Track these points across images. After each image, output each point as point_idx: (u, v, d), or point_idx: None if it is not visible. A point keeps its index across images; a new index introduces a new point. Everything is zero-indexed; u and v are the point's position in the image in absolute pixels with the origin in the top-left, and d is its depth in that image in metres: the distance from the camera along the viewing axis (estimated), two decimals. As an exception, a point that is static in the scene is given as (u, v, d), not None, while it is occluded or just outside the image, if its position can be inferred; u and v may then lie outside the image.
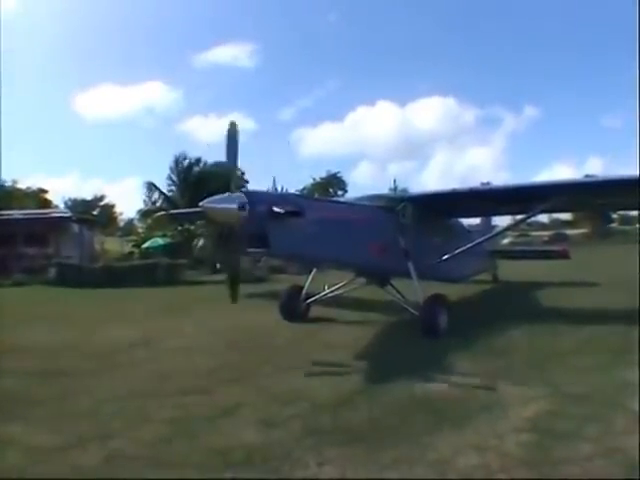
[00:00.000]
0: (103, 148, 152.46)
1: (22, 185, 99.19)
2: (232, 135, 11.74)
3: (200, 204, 11.71)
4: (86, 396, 9.22)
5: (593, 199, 17.26)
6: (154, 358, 12.08)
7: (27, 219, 43.19)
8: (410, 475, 5.93)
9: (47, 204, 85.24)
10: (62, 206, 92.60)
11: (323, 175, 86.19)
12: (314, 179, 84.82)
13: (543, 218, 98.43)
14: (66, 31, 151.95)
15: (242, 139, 11.75)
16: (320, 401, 8.53)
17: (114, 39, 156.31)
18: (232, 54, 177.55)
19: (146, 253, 42.93)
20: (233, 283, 12.62)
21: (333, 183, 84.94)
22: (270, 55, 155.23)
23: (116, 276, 31.49)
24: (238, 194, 11.25)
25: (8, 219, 42.33)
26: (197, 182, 50.80)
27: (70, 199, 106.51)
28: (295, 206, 11.79)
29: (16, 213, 45.68)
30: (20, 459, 6.66)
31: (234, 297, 12.39)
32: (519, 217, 17.77)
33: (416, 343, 12.62)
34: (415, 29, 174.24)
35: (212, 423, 7.73)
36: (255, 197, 11.39)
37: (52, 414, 8.39)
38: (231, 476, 6.01)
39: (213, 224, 13.33)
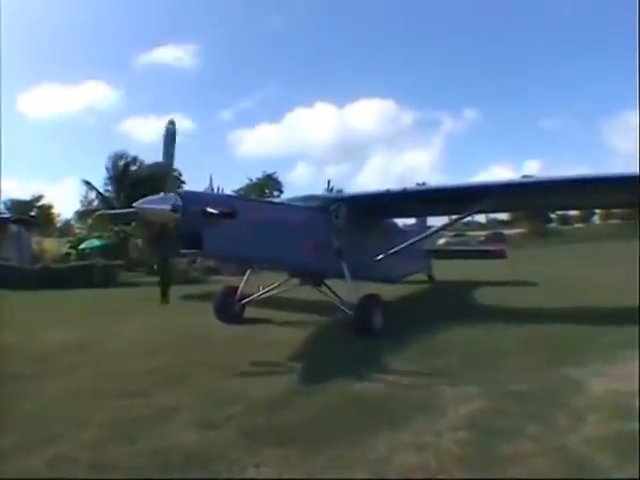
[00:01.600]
0: (44, 148, 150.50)
1: None
2: (170, 134, 11.68)
3: (133, 205, 11.63)
4: (27, 399, 9.15)
5: (529, 199, 17.48)
6: (92, 361, 11.96)
7: None
8: (348, 475, 5.99)
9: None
10: (2, 207, 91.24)
11: (259, 176, 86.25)
12: (250, 180, 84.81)
13: (480, 218, 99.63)
14: (9, 29, 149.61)
15: (179, 139, 11.71)
16: (256, 402, 8.57)
17: (57, 38, 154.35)
18: (174, 55, 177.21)
19: (82, 254, 42.53)
20: (164, 284, 12.58)
21: (269, 184, 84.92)
22: (211, 56, 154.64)
23: (54, 278, 31.09)
24: (171, 195, 11.20)
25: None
26: (133, 182, 50.27)
27: (10, 200, 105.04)
28: (229, 207, 11.76)
29: None
30: None
31: (164, 298, 12.37)
32: (454, 217, 17.88)
33: (352, 343, 12.69)
34: (355, 32, 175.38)
35: (150, 425, 7.72)
36: (189, 198, 11.35)
37: None
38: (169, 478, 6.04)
39: (147, 225, 13.15)
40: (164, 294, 12.30)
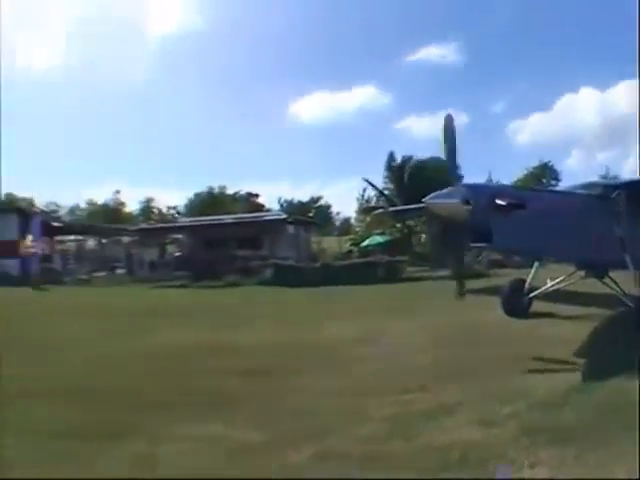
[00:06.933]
0: (318, 152, 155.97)
1: (230, 191, 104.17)
2: (448, 128, 11.85)
3: (423, 200, 11.84)
4: (301, 393, 9.44)
5: None
6: (373, 356, 12.25)
7: (238, 223, 45.40)
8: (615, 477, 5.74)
9: (259, 208, 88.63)
10: (277, 208, 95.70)
11: (535, 165, 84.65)
12: (527, 169, 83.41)
13: None
14: (282, 39, 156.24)
15: (458, 134, 11.81)
16: (537, 399, 8.39)
17: (327, 47, 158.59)
18: (438, 53, 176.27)
19: (365, 251, 43.35)
20: (459, 278, 12.72)
21: (545, 173, 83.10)
22: (474, 51, 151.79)
23: (334, 274, 32.05)
24: (460, 188, 11.33)
25: (219, 223, 44.90)
26: (411, 179, 50.75)
27: (285, 201, 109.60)
28: (516, 198, 11.59)
29: (227, 218, 47.68)
30: (221, 457, 6.80)
31: (460, 292, 12.50)
32: None
33: (636, 339, 11.94)
34: (616, 12, 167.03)
35: (430, 421, 7.71)
36: (478, 190, 11.41)
37: (263, 412, 8.60)
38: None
39: (436, 219, 13.37)
40: (460, 287, 12.49)
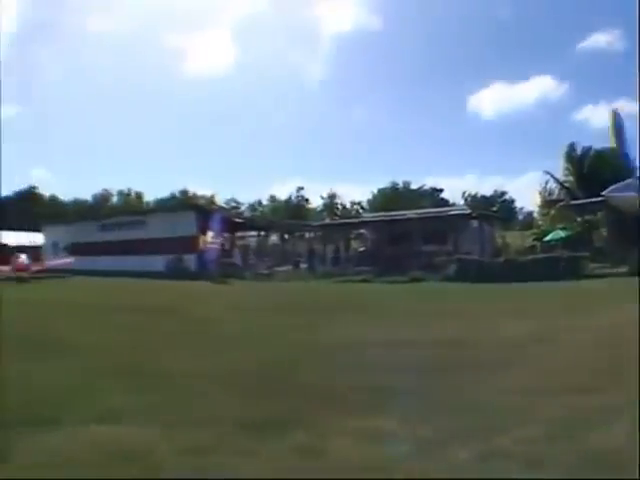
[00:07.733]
0: (500, 145, 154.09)
1: (414, 186, 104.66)
2: (616, 123, 11.75)
3: (603, 193, 11.76)
4: (472, 391, 9.42)
5: None
6: (547, 354, 12.11)
7: (422, 218, 45.81)
8: None
9: (443, 203, 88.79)
10: (461, 203, 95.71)
11: None
12: None
13: None
14: (457, 33, 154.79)
15: (629, 124, 11.60)
16: None
17: (502, 40, 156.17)
18: (605, 39, 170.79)
19: (547, 246, 42.64)
20: None
21: None
22: (634, 36, 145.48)
23: (517, 270, 31.70)
24: (638, 181, 11.19)
25: (403, 218, 45.44)
26: (590, 171, 49.48)
27: (470, 195, 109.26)
28: None
29: (411, 213, 48.01)
30: (382, 452, 6.84)
31: None
32: None
33: None
34: None
35: (596, 424, 7.51)
36: None
37: (432, 408, 8.56)
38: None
39: (616, 213, 12.93)
40: None
